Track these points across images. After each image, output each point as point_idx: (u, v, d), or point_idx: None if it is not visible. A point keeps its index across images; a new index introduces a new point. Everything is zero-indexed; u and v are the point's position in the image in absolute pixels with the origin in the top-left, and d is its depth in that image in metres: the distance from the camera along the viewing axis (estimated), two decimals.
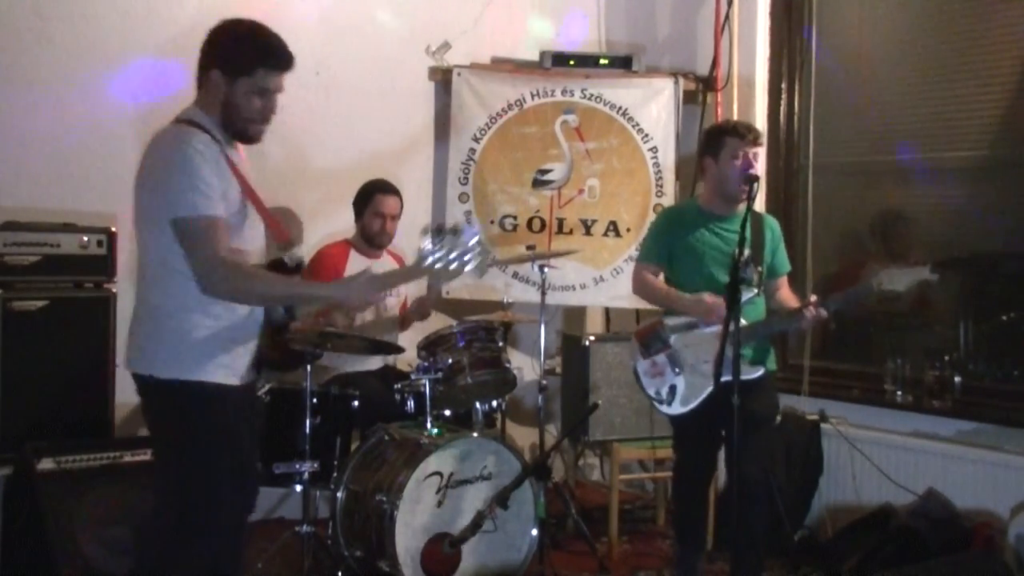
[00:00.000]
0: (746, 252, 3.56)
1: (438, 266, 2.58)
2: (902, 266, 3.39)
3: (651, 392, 3.67)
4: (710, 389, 3.51)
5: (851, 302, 3.44)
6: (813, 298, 3.48)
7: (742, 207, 3.47)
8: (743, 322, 3.44)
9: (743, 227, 3.29)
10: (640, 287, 3.78)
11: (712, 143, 3.68)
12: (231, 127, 2.77)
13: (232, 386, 2.75)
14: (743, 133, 3.58)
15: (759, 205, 4.82)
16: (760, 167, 4.67)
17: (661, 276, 3.76)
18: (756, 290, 3.53)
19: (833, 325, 3.60)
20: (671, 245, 3.70)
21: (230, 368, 2.75)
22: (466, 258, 2.58)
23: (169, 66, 4.51)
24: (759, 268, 3.58)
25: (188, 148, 2.62)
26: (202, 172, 2.61)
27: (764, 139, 3.68)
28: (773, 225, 3.77)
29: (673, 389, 3.61)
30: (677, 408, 3.61)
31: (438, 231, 2.60)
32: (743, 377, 3.27)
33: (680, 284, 3.67)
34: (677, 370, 3.61)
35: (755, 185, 3.45)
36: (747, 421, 3.25)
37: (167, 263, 2.67)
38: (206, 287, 2.63)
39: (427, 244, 2.58)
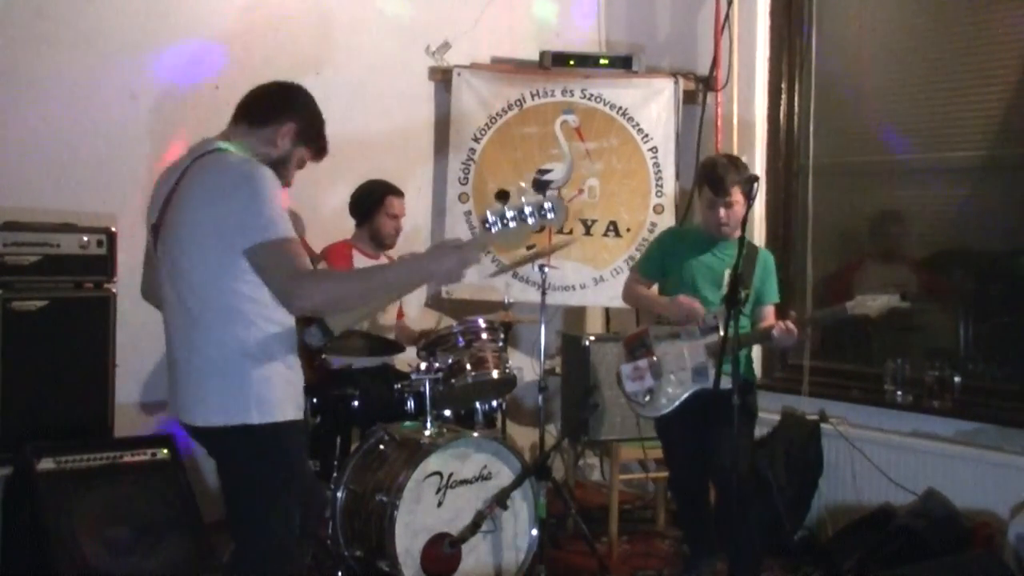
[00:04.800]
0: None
1: (503, 229, 2.54)
2: (881, 284, 3.63)
3: (629, 392, 3.83)
4: (684, 396, 3.70)
5: (826, 322, 3.60)
6: (792, 314, 3.63)
7: (737, 232, 3.54)
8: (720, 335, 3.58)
9: (741, 237, 3.34)
10: (627, 293, 4.04)
11: (698, 180, 3.85)
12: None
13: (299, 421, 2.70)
14: (715, 188, 3.67)
15: (759, 205, 4.83)
16: (759, 169, 4.71)
17: (655, 288, 3.94)
18: (741, 308, 3.63)
19: (807, 339, 3.73)
20: (667, 261, 3.88)
21: (297, 403, 2.69)
22: (530, 220, 2.53)
23: (169, 66, 4.52)
24: (746, 290, 3.69)
25: (264, 174, 2.57)
26: (277, 199, 2.55)
27: (744, 179, 3.67)
28: (767, 258, 3.90)
29: (650, 392, 3.76)
30: (651, 411, 3.79)
31: (500, 195, 2.57)
32: (723, 387, 3.36)
33: (669, 295, 3.83)
34: (656, 375, 3.75)
35: (755, 185, 3.48)
36: (724, 421, 3.33)
37: (235, 298, 2.55)
38: (292, 301, 2.49)
39: (490, 212, 2.55)
